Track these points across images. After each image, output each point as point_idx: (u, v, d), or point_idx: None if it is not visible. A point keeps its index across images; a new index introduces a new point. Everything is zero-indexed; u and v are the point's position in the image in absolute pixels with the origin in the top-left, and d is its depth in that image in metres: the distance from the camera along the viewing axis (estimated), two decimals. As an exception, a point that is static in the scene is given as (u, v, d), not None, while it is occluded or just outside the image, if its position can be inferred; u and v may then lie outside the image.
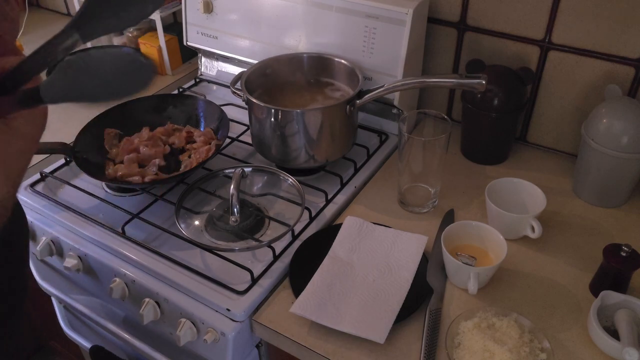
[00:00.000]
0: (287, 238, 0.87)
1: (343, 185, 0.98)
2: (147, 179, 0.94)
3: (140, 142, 1.01)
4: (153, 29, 1.37)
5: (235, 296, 0.78)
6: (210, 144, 1.01)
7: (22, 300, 0.60)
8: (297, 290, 0.78)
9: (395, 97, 1.04)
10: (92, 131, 1.02)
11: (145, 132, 1.05)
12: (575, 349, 0.71)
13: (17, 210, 0.58)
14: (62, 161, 1.05)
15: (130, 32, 1.41)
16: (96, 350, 1.04)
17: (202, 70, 1.31)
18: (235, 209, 0.86)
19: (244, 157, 1.05)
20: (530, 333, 0.71)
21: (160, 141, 1.03)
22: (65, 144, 0.99)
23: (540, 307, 0.77)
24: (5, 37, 0.48)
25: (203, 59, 1.29)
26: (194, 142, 1.04)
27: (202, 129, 1.06)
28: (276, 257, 0.84)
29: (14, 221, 0.56)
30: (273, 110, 0.91)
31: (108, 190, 0.99)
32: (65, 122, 1.15)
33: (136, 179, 0.94)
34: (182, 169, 0.98)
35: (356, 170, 1.01)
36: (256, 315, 0.77)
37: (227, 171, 0.97)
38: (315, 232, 0.88)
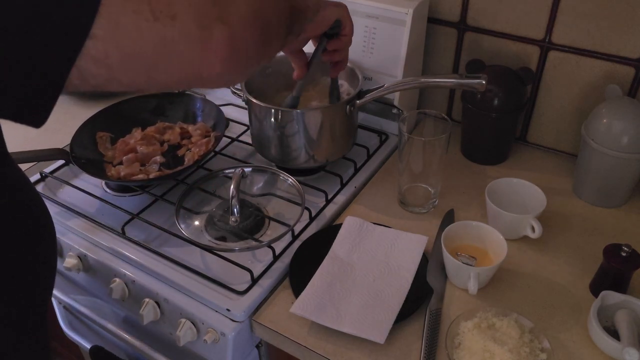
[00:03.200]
0: (287, 238, 0.87)
1: (343, 185, 0.98)
2: (152, 176, 0.94)
3: (135, 142, 1.01)
4: (153, 29, 1.37)
5: (235, 296, 0.78)
6: (208, 136, 1.02)
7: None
8: (297, 291, 0.78)
9: (395, 97, 1.04)
10: (85, 135, 1.01)
11: (137, 132, 1.05)
12: (576, 349, 0.71)
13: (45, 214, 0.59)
14: (62, 161, 1.05)
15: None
16: (96, 351, 1.04)
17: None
18: (235, 209, 0.86)
19: (244, 157, 1.05)
20: (531, 333, 0.71)
21: (154, 139, 1.03)
22: (62, 149, 0.99)
23: (540, 307, 0.77)
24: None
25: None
26: (190, 137, 1.04)
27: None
28: (276, 257, 0.84)
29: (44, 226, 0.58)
30: (273, 110, 0.91)
31: (108, 190, 0.99)
32: (64, 122, 1.15)
33: (141, 176, 0.94)
34: (186, 162, 0.98)
35: (356, 170, 1.01)
36: (256, 315, 0.77)
37: (227, 171, 0.97)
38: (315, 232, 0.88)
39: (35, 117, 0.42)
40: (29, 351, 0.59)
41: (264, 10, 0.54)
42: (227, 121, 1.11)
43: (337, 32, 0.82)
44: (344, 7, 0.81)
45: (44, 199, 0.96)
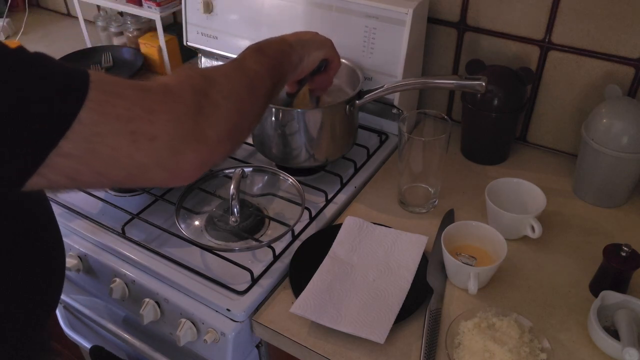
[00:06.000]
0: (287, 238, 0.87)
1: (343, 185, 0.98)
2: None
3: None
4: (153, 29, 1.37)
5: (235, 296, 0.78)
6: None
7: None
8: (297, 290, 0.78)
9: (395, 97, 1.04)
10: None
11: None
12: (575, 349, 0.71)
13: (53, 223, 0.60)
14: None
15: (130, 32, 1.41)
16: (96, 350, 1.04)
17: (202, 70, 1.31)
18: (235, 209, 0.86)
19: (244, 157, 1.05)
20: (531, 333, 0.71)
21: None
22: None
23: (540, 307, 0.77)
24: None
25: (203, 59, 1.29)
26: None
27: None
28: (276, 257, 0.84)
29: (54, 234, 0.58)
30: (274, 110, 0.91)
31: (108, 190, 0.99)
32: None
33: None
34: None
35: (356, 170, 1.01)
36: (256, 315, 0.77)
37: (227, 171, 0.97)
38: (315, 232, 0.88)
39: None
40: (29, 352, 0.59)
41: (242, 119, 0.55)
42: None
43: (324, 66, 0.83)
44: (328, 46, 0.81)
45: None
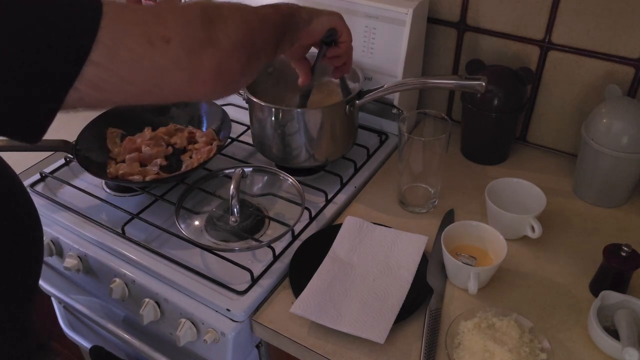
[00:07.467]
0: (287, 238, 0.87)
1: (343, 185, 0.98)
2: (147, 178, 0.94)
3: (142, 142, 1.01)
4: (153, 29, 1.37)
5: (235, 296, 0.78)
6: (211, 144, 1.02)
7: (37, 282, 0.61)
8: (297, 290, 0.78)
9: (395, 97, 1.04)
10: (94, 130, 1.02)
11: (147, 132, 1.05)
12: (575, 349, 0.71)
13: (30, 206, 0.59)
14: (62, 161, 1.05)
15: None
16: (96, 350, 1.04)
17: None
18: (235, 209, 0.86)
19: (244, 157, 1.05)
20: (531, 333, 0.71)
21: (162, 141, 1.03)
22: (67, 141, 0.99)
23: (540, 307, 0.77)
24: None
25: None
26: (196, 142, 1.04)
27: (204, 130, 1.06)
28: (276, 257, 0.84)
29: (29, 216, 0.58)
30: (274, 110, 0.91)
31: (108, 190, 0.99)
32: (68, 119, 1.15)
33: (137, 177, 0.94)
34: (183, 168, 0.98)
35: (356, 170, 1.01)
36: (256, 315, 0.77)
37: (227, 171, 0.97)
38: (315, 232, 0.88)
39: (32, 135, 0.46)
40: (29, 351, 0.59)
41: (252, 33, 0.59)
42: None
43: (335, 39, 0.83)
44: (338, 16, 0.81)
45: (42, 198, 0.96)
